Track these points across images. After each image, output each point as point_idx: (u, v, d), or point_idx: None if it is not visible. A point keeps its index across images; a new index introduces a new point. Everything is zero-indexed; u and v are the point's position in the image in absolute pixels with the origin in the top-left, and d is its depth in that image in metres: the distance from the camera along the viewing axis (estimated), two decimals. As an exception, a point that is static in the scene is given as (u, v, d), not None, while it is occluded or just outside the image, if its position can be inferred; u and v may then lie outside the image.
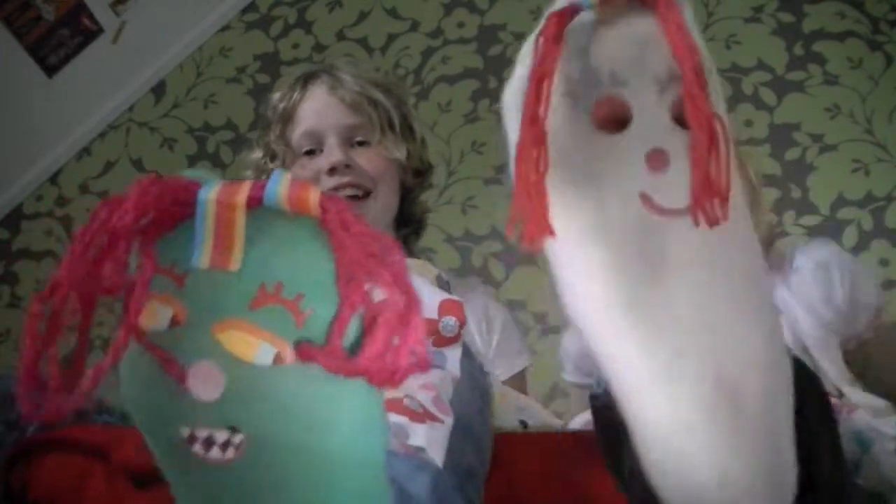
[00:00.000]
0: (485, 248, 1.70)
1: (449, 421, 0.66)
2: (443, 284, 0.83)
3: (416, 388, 0.68)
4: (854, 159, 1.66)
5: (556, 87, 0.41)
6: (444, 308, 0.72)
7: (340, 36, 2.01)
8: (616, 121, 0.41)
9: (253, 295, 0.38)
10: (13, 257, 1.92)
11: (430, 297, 0.72)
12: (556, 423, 0.87)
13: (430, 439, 0.63)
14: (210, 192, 0.38)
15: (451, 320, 0.71)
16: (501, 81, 1.71)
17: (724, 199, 0.38)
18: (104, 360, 0.38)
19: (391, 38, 1.98)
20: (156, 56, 2.02)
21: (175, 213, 0.39)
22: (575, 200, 0.41)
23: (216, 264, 0.38)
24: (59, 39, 1.86)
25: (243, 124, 1.94)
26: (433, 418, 0.66)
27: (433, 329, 0.71)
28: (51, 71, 1.88)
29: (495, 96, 2.19)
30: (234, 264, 0.38)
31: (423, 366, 0.39)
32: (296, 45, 2.01)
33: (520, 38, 2.12)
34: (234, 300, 0.38)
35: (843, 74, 1.74)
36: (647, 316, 0.40)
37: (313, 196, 0.38)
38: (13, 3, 1.76)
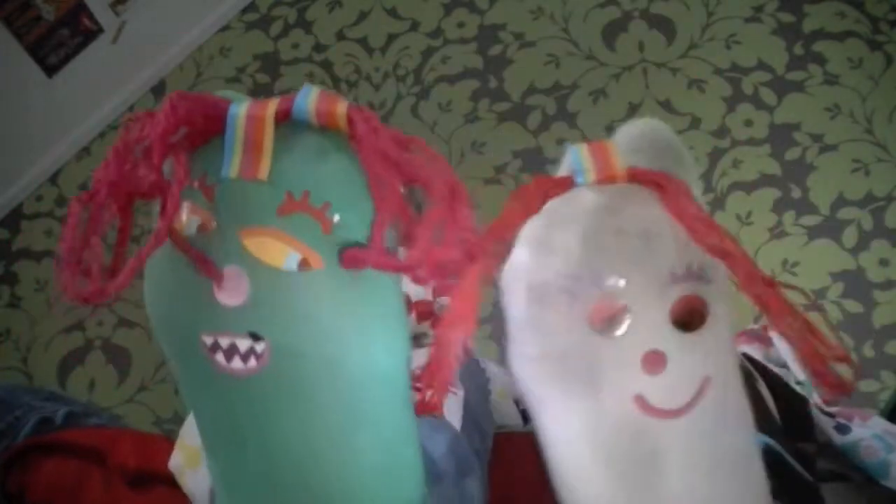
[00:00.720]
0: (485, 248, 1.70)
1: (461, 393, 0.66)
2: None
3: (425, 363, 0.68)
4: (854, 159, 1.66)
5: (554, 282, 0.40)
6: (439, 289, 0.72)
7: (340, 36, 2.01)
8: (613, 319, 0.40)
9: (280, 203, 0.38)
10: (13, 257, 1.92)
11: None
12: None
13: (446, 406, 0.63)
14: (240, 108, 0.39)
15: (446, 300, 0.71)
16: (501, 81, 1.73)
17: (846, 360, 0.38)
18: (143, 248, 0.38)
19: (391, 38, 1.98)
20: (156, 56, 2.02)
21: (206, 128, 0.39)
22: (571, 402, 0.40)
23: (245, 174, 0.38)
24: (59, 39, 1.85)
25: (243, 124, 1.94)
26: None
27: (429, 310, 0.71)
28: (51, 71, 1.88)
29: (495, 96, 2.18)
30: (263, 173, 0.38)
31: (476, 254, 0.38)
32: (296, 45, 2.01)
33: (519, 37, 2.12)
34: (262, 208, 0.38)
35: (843, 74, 1.74)
36: None
37: (341, 107, 0.38)
38: (13, 3, 1.76)
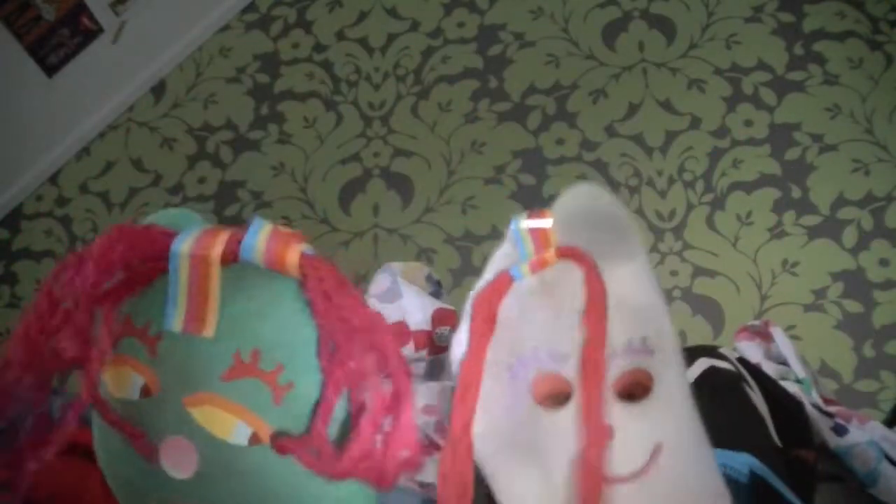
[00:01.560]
0: (485, 248, 1.70)
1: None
2: (433, 284, 0.83)
3: (419, 411, 0.66)
4: (854, 159, 1.66)
5: (495, 361, 0.41)
6: (438, 318, 0.71)
7: (340, 36, 2.01)
8: (558, 396, 0.40)
9: (229, 364, 0.35)
10: (13, 257, 1.92)
11: (423, 309, 0.71)
12: None
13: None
14: (183, 246, 0.35)
15: (445, 330, 0.70)
16: (501, 81, 1.73)
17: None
18: (57, 432, 0.36)
19: (391, 38, 1.98)
20: (156, 56, 2.02)
21: (149, 268, 0.36)
22: (521, 474, 0.40)
23: (190, 329, 0.35)
24: (59, 39, 1.85)
25: (243, 124, 1.94)
26: (439, 448, 0.63)
27: (428, 340, 0.70)
28: (51, 71, 1.88)
29: (495, 96, 2.18)
30: (209, 330, 0.35)
31: (415, 465, 0.36)
32: (296, 45, 2.01)
33: (519, 37, 2.11)
34: (209, 370, 0.35)
35: (843, 74, 1.74)
36: None
37: (292, 257, 0.36)
38: (13, 3, 1.76)
